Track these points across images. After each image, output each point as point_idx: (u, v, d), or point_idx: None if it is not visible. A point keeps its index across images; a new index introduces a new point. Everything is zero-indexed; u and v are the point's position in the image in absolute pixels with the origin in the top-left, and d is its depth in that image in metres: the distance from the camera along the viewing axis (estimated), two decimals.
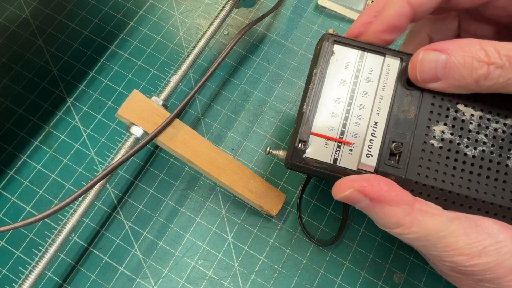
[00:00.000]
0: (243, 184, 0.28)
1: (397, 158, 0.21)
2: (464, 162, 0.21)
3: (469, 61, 0.19)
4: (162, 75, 0.35)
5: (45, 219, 0.31)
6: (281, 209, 0.29)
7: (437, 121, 0.21)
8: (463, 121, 0.21)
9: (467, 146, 0.21)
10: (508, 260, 0.19)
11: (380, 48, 0.23)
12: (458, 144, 0.21)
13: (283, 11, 0.38)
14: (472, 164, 0.21)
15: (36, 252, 0.30)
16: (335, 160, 0.22)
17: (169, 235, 0.31)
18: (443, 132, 0.21)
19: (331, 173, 0.21)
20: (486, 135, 0.21)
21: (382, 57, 0.23)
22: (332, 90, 0.22)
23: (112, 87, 0.35)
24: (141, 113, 0.28)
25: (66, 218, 0.26)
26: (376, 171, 0.21)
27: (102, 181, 0.27)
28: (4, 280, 0.30)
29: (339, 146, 0.22)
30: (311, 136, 0.22)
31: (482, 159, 0.21)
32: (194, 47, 0.31)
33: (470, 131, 0.21)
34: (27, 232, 0.31)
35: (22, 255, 0.30)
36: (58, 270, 0.30)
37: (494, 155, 0.21)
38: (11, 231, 0.31)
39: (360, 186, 0.20)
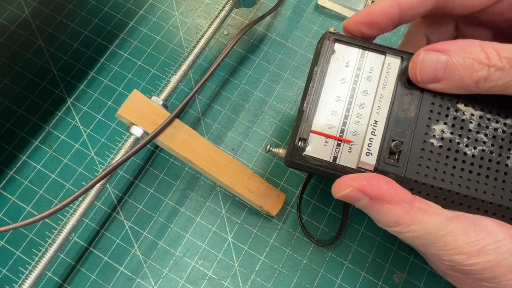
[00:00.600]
0: (243, 184, 0.28)
1: (396, 157, 0.21)
2: (463, 162, 0.21)
3: (470, 62, 0.19)
4: (162, 75, 0.35)
5: (45, 219, 0.31)
6: (281, 209, 0.29)
7: (437, 120, 0.21)
8: (463, 120, 0.21)
9: (467, 146, 0.21)
10: (507, 259, 0.19)
11: (381, 47, 0.23)
12: (458, 143, 0.21)
13: (283, 11, 0.38)
14: (472, 164, 0.21)
15: (36, 252, 0.30)
16: (335, 158, 0.22)
17: (169, 235, 0.31)
18: (443, 131, 0.21)
19: (330, 171, 0.22)
20: (486, 135, 0.21)
21: (383, 56, 0.23)
22: (332, 89, 0.22)
23: (112, 87, 0.35)
24: (141, 113, 0.28)
25: (66, 218, 0.26)
26: (376, 170, 0.21)
27: (102, 181, 0.27)
28: (4, 280, 0.30)
29: (339, 145, 0.22)
30: (311, 134, 0.22)
31: (481, 158, 0.21)
32: (194, 47, 0.31)
33: (470, 130, 0.21)
34: (27, 232, 0.31)
35: (22, 255, 0.30)
36: (58, 270, 0.30)
37: (494, 154, 0.21)
38: (11, 231, 0.31)
39: (360, 185, 0.20)
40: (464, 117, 0.21)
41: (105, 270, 0.30)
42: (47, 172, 0.32)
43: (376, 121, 0.22)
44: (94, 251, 0.30)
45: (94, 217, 0.31)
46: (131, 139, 0.28)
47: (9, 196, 0.32)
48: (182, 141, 0.28)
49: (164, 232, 0.31)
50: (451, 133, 0.21)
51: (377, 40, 0.30)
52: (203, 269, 0.30)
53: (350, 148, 0.22)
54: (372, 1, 0.38)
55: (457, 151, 0.21)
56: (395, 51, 0.22)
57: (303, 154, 0.22)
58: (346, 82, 0.22)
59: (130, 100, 0.28)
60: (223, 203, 0.32)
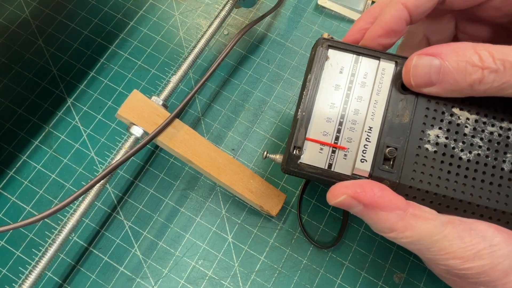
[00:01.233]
0: (243, 184, 0.28)
1: (391, 163, 0.21)
2: (459, 166, 0.21)
3: (463, 65, 0.19)
4: (162, 75, 0.35)
5: (45, 219, 0.31)
6: (281, 209, 0.29)
7: (432, 125, 0.21)
8: (458, 125, 0.21)
9: (462, 150, 0.21)
10: (502, 263, 0.19)
11: (374, 52, 0.22)
12: (453, 148, 0.21)
13: (283, 11, 0.38)
14: (467, 168, 0.21)
15: (36, 252, 0.30)
16: (330, 165, 0.22)
17: (169, 235, 0.31)
18: (437, 136, 0.21)
19: (326, 178, 0.22)
20: (481, 139, 0.21)
21: (377, 61, 0.22)
22: (326, 96, 0.22)
23: (112, 87, 0.35)
24: (141, 113, 0.28)
25: (66, 218, 0.26)
26: (371, 176, 0.21)
27: (102, 181, 0.27)
28: (4, 280, 0.30)
29: (333, 151, 0.22)
30: (306, 141, 0.22)
31: (477, 163, 0.21)
32: (194, 47, 0.31)
33: (465, 134, 0.21)
34: (27, 232, 0.31)
35: (22, 255, 0.30)
36: (58, 270, 0.30)
37: (489, 158, 0.21)
38: (11, 231, 0.31)
39: (354, 192, 0.20)
40: (459, 121, 0.21)
41: (105, 270, 0.30)
42: (47, 172, 0.32)
43: (370, 128, 0.22)
44: (94, 251, 0.30)
45: (94, 217, 0.31)
46: (131, 139, 0.28)
47: (9, 196, 0.32)
48: (182, 141, 0.28)
49: (164, 232, 0.31)
50: (446, 138, 0.21)
51: None
52: (203, 269, 0.30)
53: (345, 155, 0.22)
54: (373, 2, 0.38)
55: (452, 156, 0.21)
56: (389, 56, 0.22)
57: (298, 162, 0.22)
58: (340, 89, 0.22)
59: (130, 100, 0.28)
60: (223, 203, 0.32)
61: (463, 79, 0.19)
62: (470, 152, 0.21)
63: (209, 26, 0.31)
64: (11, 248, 0.30)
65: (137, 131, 0.27)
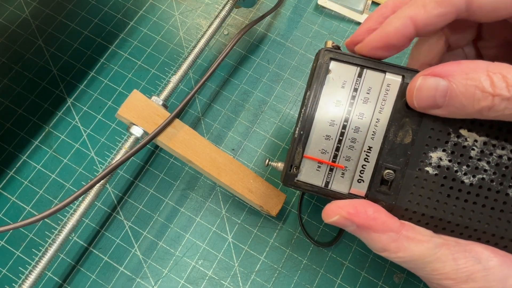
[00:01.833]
0: (243, 184, 0.28)
1: (388, 185, 0.21)
2: (459, 190, 0.20)
3: (472, 90, 0.17)
4: (162, 75, 0.35)
5: (45, 219, 0.31)
6: (281, 209, 0.29)
7: (435, 147, 0.20)
8: (464, 147, 0.20)
9: (465, 174, 0.20)
10: (495, 287, 0.19)
11: (381, 65, 0.21)
12: (456, 171, 0.20)
13: (283, 11, 0.38)
14: (468, 192, 0.20)
15: (36, 252, 0.30)
16: (327, 183, 0.21)
17: (169, 235, 0.31)
18: (440, 159, 0.20)
19: (322, 195, 0.22)
20: (488, 162, 0.20)
21: (383, 75, 0.21)
22: (327, 112, 0.21)
23: (112, 87, 0.35)
24: (141, 113, 0.28)
25: (66, 218, 0.26)
26: (367, 197, 0.21)
27: (102, 181, 0.27)
28: (4, 280, 0.30)
29: (331, 170, 0.21)
30: (303, 159, 0.21)
31: (480, 187, 0.20)
32: (194, 47, 0.31)
33: (470, 157, 0.20)
34: (27, 232, 0.31)
35: (22, 255, 0.30)
36: (58, 270, 0.30)
37: (494, 183, 0.20)
38: (11, 231, 0.31)
39: (347, 213, 0.20)
40: (466, 143, 0.20)
41: (105, 270, 0.30)
42: (47, 172, 0.32)
43: (370, 147, 0.21)
44: (94, 251, 0.30)
45: (94, 217, 0.31)
46: (131, 139, 0.28)
47: (9, 196, 0.32)
48: (182, 141, 0.28)
49: (164, 232, 0.31)
50: (449, 160, 0.20)
51: None
52: (203, 269, 0.30)
53: (343, 174, 0.21)
54: (373, 1, 0.38)
55: (454, 179, 0.20)
56: (396, 69, 0.21)
57: (295, 180, 0.22)
58: (341, 105, 0.21)
59: (130, 100, 0.28)
60: (223, 203, 0.32)
61: (471, 104, 0.17)
62: (474, 176, 0.20)
63: (209, 26, 0.31)
64: (11, 248, 0.30)
65: (137, 131, 0.27)
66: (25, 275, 0.25)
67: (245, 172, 0.29)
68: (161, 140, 0.28)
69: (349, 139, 0.21)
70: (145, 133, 0.28)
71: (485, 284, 0.19)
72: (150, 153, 0.33)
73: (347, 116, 0.21)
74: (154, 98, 0.29)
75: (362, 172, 0.21)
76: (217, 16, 0.32)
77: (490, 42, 0.24)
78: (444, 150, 0.20)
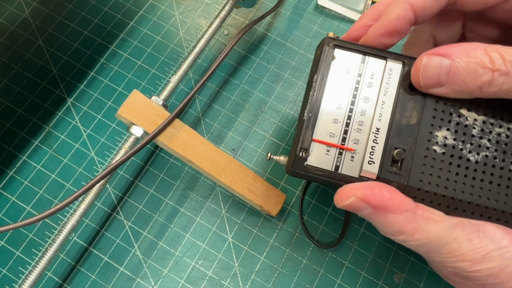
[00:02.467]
0: (243, 184, 0.28)
1: (399, 165, 0.21)
2: (467, 168, 0.21)
3: (473, 67, 0.18)
4: (162, 75, 0.35)
5: (45, 219, 0.31)
6: (281, 209, 0.29)
7: (440, 127, 0.21)
8: (466, 126, 0.21)
9: (470, 152, 0.21)
10: (511, 266, 0.19)
11: (382, 52, 0.22)
12: (461, 149, 0.21)
13: (283, 11, 0.38)
14: (475, 170, 0.21)
15: (36, 252, 0.30)
16: (337, 167, 0.21)
17: (169, 235, 0.31)
18: (445, 137, 0.21)
19: (332, 180, 0.21)
20: (489, 140, 0.21)
21: (384, 61, 0.22)
22: (333, 96, 0.22)
23: (112, 87, 0.35)
24: (141, 113, 0.28)
25: (66, 218, 0.26)
26: (378, 178, 0.21)
27: (102, 181, 0.27)
28: (4, 280, 0.30)
29: (340, 153, 0.21)
30: (312, 143, 0.21)
31: (485, 164, 0.21)
32: (194, 47, 0.31)
33: (473, 136, 0.21)
34: (27, 232, 0.31)
35: (22, 255, 0.30)
36: (58, 270, 0.30)
37: (497, 160, 0.21)
38: (11, 231, 0.31)
39: (363, 194, 0.20)
40: (467, 122, 0.21)
41: (105, 270, 0.30)
42: (47, 172, 0.32)
43: (378, 129, 0.21)
44: (94, 251, 0.30)
45: (94, 217, 0.31)
46: (131, 139, 0.28)
47: (9, 196, 0.32)
48: (182, 141, 0.28)
49: (164, 232, 0.31)
50: (454, 139, 0.21)
51: None
52: (203, 269, 0.30)
53: (352, 157, 0.21)
54: (373, 1, 0.38)
55: (460, 157, 0.21)
56: (396, 56, 0.22)
57: (305, 164, 0.21)
58: (346, 89, 0.22)
59: (130, 100, 0.28)
60: (223, 203, 0.32)
61: (472, 80, 0.19)
62: (478, 154, 0.21)
63: (209, 26, 0.31)
64: (11, 248, 0.30)
65: (137, 131, 0.27)
66: (25, 275, 0.25)
67: (245, 172, 0.29)
68: (161, 140, 0.28)
69: (356, 122, 0.22)
70: (145, 133, 0.28)
71: (502, 262, 0.19)
72: (150, 153, 0.33)
73: (353, 100, 0.22)
74: (154, 98, 0.29)
75: (372, 153, 0.21)
76: (217, 16, 0.32)
77: (476, 41, 0.25)
78: (448, 129, 0.21)
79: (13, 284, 0.29)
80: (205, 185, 0.32)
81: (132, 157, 0.32)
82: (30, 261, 0.30)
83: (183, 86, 0.35)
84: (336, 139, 0.22)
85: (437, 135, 0.21)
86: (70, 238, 0.31)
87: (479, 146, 0.21)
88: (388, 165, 0.21)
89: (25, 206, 0.31)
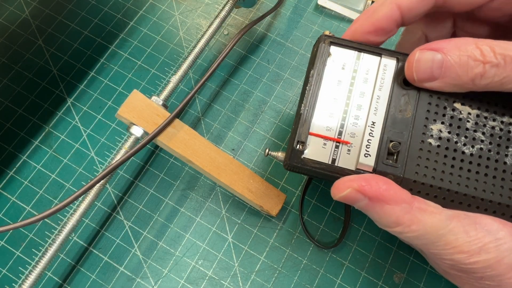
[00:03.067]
0: (243, 184, 0.28)
1: (395, 157, 0.21)
2: (462, 160, 0.21)
3: (465, 60, 0.19)
4: (162, 75, 0.35)
5: (45, 219, 0.31)
6: (281, 209, 0.29)
7: (434, 120, 0.21)
8: (460, 119, 0.21)
9: (464, 144, 0.21)
10: (508, 257, 0.19)
11: (376, 49, 0.23)
12: (456, 142, 0.21)
13: (283, 11, 0.38)
14: (470, 162, 0.21)
15: (36, 252, 0.30)
16: (334, 160, 0.22)
17: (169, 235, 0.31)
18: (440, 130, 0.21)
19: (329, 173, 0.22)
20: (483, 133, 0.21)
21: (379, 58, 0.23)
22: (329, 91, 0.22)
23: (112, 87, 0.35)
24: (141, 113, 0.28)
25: (66, 218, 0.26)
26: (375, 171, 0.21)
27: (102, 181, 0.27)
28: (4, 280, 0.30)
29: (337, 146, 0.22)
30: (309, 136, 0.22)
31: (480, 157, 0.21)
32: (194, 47, 0.31)
33: (467, 129, 0.21)
34: (27, 232, 0.31)
35: (22, 255, 0.30)
36: (58, 270, 0.30)
37: (491, 152, 0.21)
38: (11, 231, 0.31)
39: (359, 186, 0.20)
40: (461, 116, 0.21)
41: (105, 270, 0.30)
42: (47, 172, 0.32)
43: (373, 122, 0.22)
44: (94, 251, 0.30)
45: (94, 217, 0.31)
46: (131, 139, 0.28)
47: (9, 196, 0.32)
48: (182, 141, 0.28)
49: (164, 232, 0.31)
50: (449, 132, 0.21)
51: None
52: (203, 269, 0.30)
53: (349, 150, 0.22)
54: (372, 1, 0.38)
55: (455, 150, 0.21)
56: (390, 52, 0.23)
57: (302, 157, 0.22)
58: (342, 84, 0.23)
59: (130, 100, 0.28)
60: (223, 203, 0.32)
61: (465, 73, 0.19)
62: (472, 147, 0.21)
63: (209, 26, 0.31)
64: (11, 248, 0.30)
65: (137, 131, 0.27)
66: (25, 275, 0.25)
67: (245, 172, 0.29)
68: (161, 140, 0.28)
69: (352, 116, 0.22)
70: (145, 133, 0.28)
71: (498, 254, 0.19)
72: (150, 153, 0.33)
73: (349, 95, 0.22)
74: (154, 98, 0.29)
75: (368, 146, 0.21)
76: (217, 16, 0.32)
77: None
78: (442, 123, 0.21)
79: (13, 284, 0.29)
80: (205, 185, 0.32)
81: (132, 157, 0.32)
82: (30, 261, 0.30)
83: (183, 86, 0.35)
84: (332, 132, 0.22)
85: (431, 128, 0.21)
86: (70, 238, 0.31)
87: (474, 139, 0.21)
88: (384, 157, 0.21)
89: (25, 206, 0.31)
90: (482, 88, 0.20)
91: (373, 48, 0.23)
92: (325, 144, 0.22)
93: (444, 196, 0.21)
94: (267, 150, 0.26)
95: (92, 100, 0.34)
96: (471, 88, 0.20)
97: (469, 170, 0.21)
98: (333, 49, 0.23)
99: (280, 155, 0.25)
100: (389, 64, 0.22)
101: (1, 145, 0.33)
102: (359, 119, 0.22)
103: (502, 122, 0.21)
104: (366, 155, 0.21)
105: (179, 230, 0.31)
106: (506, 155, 0.21)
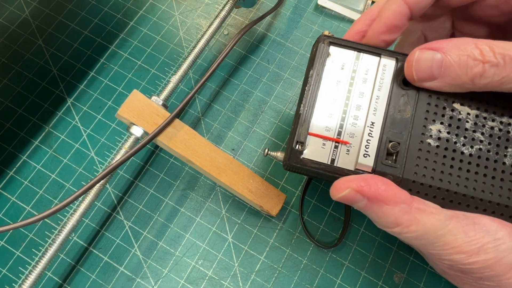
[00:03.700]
0: (243, 184, 0.28)
1: (394, 157, 0.21)
2: (461, 161, 0.21)
3: (464, 59, 0.19)
4: (162, 75, 0.35)
5: (45, 219, 0.31)
6: (281, 209, 0.29)
7: (434, 120, 0.21)
8: (459, 120, 0.21)
9: (464, 145, 0.21)
10: (507, 257, 0.19)
11: (375, 49, 0.23)
12: (455, 142, 0.21)
13: (283, 11, 0.38)
14: (469, 163, 0.21)
15: (36, 252, 0.30)
16: (333, 160, 0.22)
17: (169, 235, 0.31)
18: (439, 131, 0.21)
19: (328, 173, 0.22)
20: (482, 134, 0.21)
21: (378, 58, 0.23)
22: (328, 91, 0.22)
23: (112, 87, 0.35)
24: (141, 113, 0.28)
25: (66, 218, 0.26)
26: (374, 171, 0.21)
27: (102, 181, 0.27)
28: (4, 280, 0.30)
29: (336, 147, 0.22)
30: (308, 136, 0.22)
31: (479, 157, 0.21)
32: (194, 47, 0.31)
33: (466, 129, 0.21)
34: (27, 232, 0.31)
35: (22, 255, 0.30)
36: (58, 270, 0.30)
37: (491, 153, 0.21)
38: (11, 231, 0.31)
39: (358, 186, 0.20)
40: (460, 116, 0.21)
41: (105, 270, 0.30)
42: (47, 172, 0.32)
43: (372, 123, 0.22)
44: (94, 251, 0.30)
45: (94, 217, 0.31)
46: (131, 139, 0.28)
47: (9, 196, 0.32)
48: (182, 141, 0.28)
49: (164, 232, 0.31)
50: (448, 132, 0.21)
51: None
52: (203, 269, 0.30)
53: (348, 150, 0.22)
54: (373, 1, 0.38)
55: (454, 150, 0.21)
56: (389, 53, 0.23)
57: (301, 157, 0.22)
58: (342, 84, 0.22)
59: (130, 100, 0.28)
60: (223, 203, 0.32)
61: (464, 73, 0.19)
62: (471, 147, 0.21)
63: (209, 26, 0.31)
64: (11, 248, 0.30)
65: (137, 131, 0.27)
66: (25, 275, 0.25)
67: (245, 172, 0.29)
68: (161, 140, 0.28)
69: (351, 116, 0.22)
70: (145, 133, 0.28)
71: (497, 254, 0.19)
72: (150, 153, 0.33)
73: (348, 95, 0.22)
74: (154, 98, 0.29)
75: (367, 147, 0.21)
76: (217, 16, 0.32)
77: None
78: (442, 123, 0.21)
79: (13, 284, 0.29)
80: (205, 185, 0.32)
81: (132, 157, 0.32)
82: (30, 261, 0.30)
83: (183, 86, 0.35)
84: (331, 132, 0.22)
85: (431, 129, 0.21)
86: (70, 238, 0.31)
87: (473, 139, 0.21)
88: (383, 158, 0.21)
89: (25, 206, 0.31)
90: (481, 88, 0.19)
91: (372, 48, 0.23)
92: (324, 144, 0.22)
93: (443, 196, 0.21)
94: (266, 150, 0.26)
95: (92, 100, 0.34)
96: (471, 88, 0.20)
97: (468, 171, 0.21)
98: (332, 49, 0.23)
99: (279, 155, 0.25)
100: (388, 64, 0.22)
101: (1, 145, 0.33)
102: (358, 119, 0.22)
103: (501, 122, 0.21)
104: (365, 155, 0.21)
105: (179, 230, 0.31)
106: (505, 155, 0.21)
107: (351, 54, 0.23)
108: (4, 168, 0.32)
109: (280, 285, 0.30)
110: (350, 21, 0.37)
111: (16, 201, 0.32)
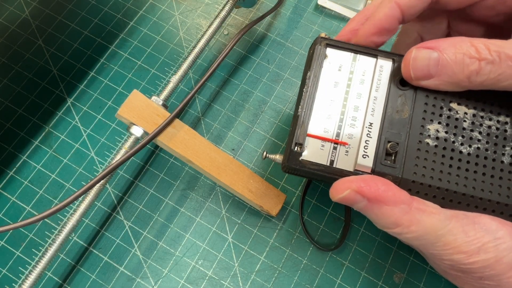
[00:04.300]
0: (243, 184, 0.28)
1: (393, 158, 0.21)
2: (459, 160, 0.21)
3: (461, 57, 0.19)
4: (162, 75, 0.35)
5: (45, 219, 0.31)
6: (281, 209, 0.29)
7: (431, 120, 0.21)
8: (457, 119, 0.21)
9: (462, 144, 0.21)
10: (507, 257, 0.19)
11: (372, 50, 0.23)
12: (453, 142, 0.21)
13: (283, 11, 0.38)
14: (468, 162, 0.21)
15: (36, 252, 0.30)
16: (332, 161, 0.22)
17: (169, 235, 0.31)
18: (437, 130, 0.21)
19: (328, 175, 0.22)
20: (480, 133, 0.21)
21: (375, 59, 0.23)
22: (326, 93, 0.22)
23: (112, 87, 0.35)
24: (141, 113, 0.28)
25: (66, 218, 0.26)
26: (373, 172, 0.21)
27: (102, 181, 0.27)
28: (4, 280, 0.30)
29: (335, 148, 0.22)
30: (307, 138, 0.22)
31: (477, 156, 0.21)
32: (194, 47, 0.31)
33: (464, 129, 0.21)
34: (27, 232, 0.31)
35: (22, 255, 0.30)
36: (58, 270, 0.30)
37: (489, 152, 0.21)
38: (11, 231, 0.31)
39: (358, 187, 0.20)
40: (457, 116, 0.21)
41: (105, 270, 0.30)
42: (47, 172, 0.32)
43: (371, 123, 0.22)
44: (94, 251, 0.30)
45: (94, 217, 0.31)
46: (131, 139, 0.28)
47: (9, 196, 0.32)
48: (182, 141, 0.28)
49: (164, 232, 0.31)
50: (446, 132, 0.21)
51: None
52: (203, 269, 0.30)
53: (347, 151, 0.22)
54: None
55: (452, 150, 0.21)
56: (386, 54, 0.23)
57: (300, 159, 0.22)
58: (339, 86, 0.23)
59: (130, 100, 0.28)
60: (223, 203, 0.32)
61: (461, 70, 0.19)
62: (470, 146, 0.21)
63: (209, 26, 0.31)
64: (11, 248, 0.30)
65: (137, 131, 0.27)
66: (25, 275, 0.25)
67: (245, 172, 0.29)
68: (161, 140, 0.28)
69: (349, 117, 0.22)
70: (145, 133, 0.28)
71: (497, 254, 0.19)
72: (150, 153, 0.33)
73: (346, 96, 0.22)
74: (154, 98, 0.29)
75: (366, 147, 0.21)
76: (217, 16, 0.32)
77: None
78: (439, 123, 0.21)
79: (13, 284, 0.29)
80: (205, 185, 0.32)
81: (132, 157, 0.32)
82: (30, 261, 0.30)
83: (183, 86, 0.35)
84: (330, 134, 0.22)
85: (429, 128, 0.21)
86: (70, 238, 0.31)
87: (471, 138, 0.21)
88: (382, 158, 0.21)
89: (25, 206, 0.31)
90: (478, 86, 0.20)
91: (369, 49, 0.23)
92: (323, 145, 0.22)
93: (442, 196, 0.21)
94: (264, 153, 0.26)
95: (92, 100, 0.34)
96: (467, 86, 0.20)
97: (467, 170, 0.21)
98: (329, 51, 0.23)
99: (278, 157, 0.25)
100: (385, 65, 0.23)
101: (1, 145, 0.33)
102: (357, 120, 0.22)
103: (498, 121, 0.21)
104: (364, 156, 0.21)
105: (179, 230, 0.31)
106: (503, 154, 0.21)
107: (348, 55, 0.23)
108: (4, 168, 0.32)
109: (280, 285, 0.30)
110: None
111: (16, 201, 0.32)
